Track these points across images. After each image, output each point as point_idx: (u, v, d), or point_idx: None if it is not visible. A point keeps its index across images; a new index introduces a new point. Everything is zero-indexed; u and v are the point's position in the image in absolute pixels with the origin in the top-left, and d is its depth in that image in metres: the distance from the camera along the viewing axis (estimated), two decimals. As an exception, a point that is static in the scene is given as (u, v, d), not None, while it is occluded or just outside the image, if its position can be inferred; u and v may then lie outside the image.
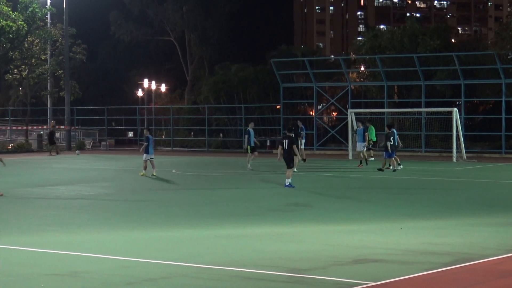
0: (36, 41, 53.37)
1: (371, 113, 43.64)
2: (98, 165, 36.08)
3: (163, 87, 76.43)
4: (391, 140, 28.94)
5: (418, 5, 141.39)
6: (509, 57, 46.25)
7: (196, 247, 12.41)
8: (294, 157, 23.08)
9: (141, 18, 74.38)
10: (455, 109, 37.42)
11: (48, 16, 55.06)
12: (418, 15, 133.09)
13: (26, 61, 54.51)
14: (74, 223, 15.40)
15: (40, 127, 57.95)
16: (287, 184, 22.55)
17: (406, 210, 17.49)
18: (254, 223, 15.32)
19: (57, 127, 52.31)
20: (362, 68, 53.39)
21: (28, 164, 35.65)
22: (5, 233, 14.13)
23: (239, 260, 11.09)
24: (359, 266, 10.62)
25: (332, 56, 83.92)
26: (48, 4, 53.61)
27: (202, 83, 62.87)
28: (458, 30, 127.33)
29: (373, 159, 36.75)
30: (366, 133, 33.91)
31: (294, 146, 22.72)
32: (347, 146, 40.68)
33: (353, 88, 50.65)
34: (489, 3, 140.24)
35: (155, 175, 27.19)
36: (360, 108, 46.66)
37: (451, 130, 37.44)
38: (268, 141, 52.19)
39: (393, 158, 29.23)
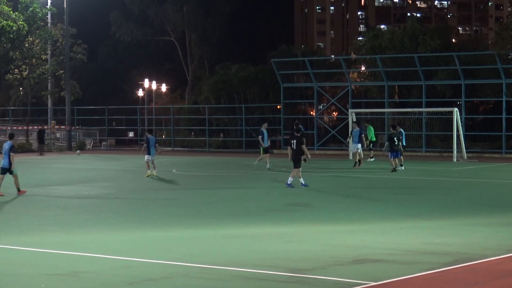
0: (37, 41, 53.37)
1: (372, 113, 43.67)
2: (98, 165, 36.09)
3: (163, 87, 76.44)
4: (395, 140, 28.87)
5: (418, 5, 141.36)
6: (509, 57, 46.23)
7: (196, 247, 12.42)
8: (302, 157, 22.93)
9: (142, 18, 74.39)
10: (456, 109, 37.42)
11: (49, 16, 55.05)
12: (418, 15, 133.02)
13: (27, 61, 54.51)
14: (74, 223, 15.40)
15: (40, 127, 57.89)
16: (288, 183, 22.54)
17: (406, 210, 17.49)
18: (254, 223, 15.33)
19: (46, 127, 52.54)
20: (363, 68, 53.38)
21: (28, 164, 35.66)
22: (5, 233, 14.14)
23: (240, 260, 11.10)
24: (359, 266, 10.63)
25: (333, 56, 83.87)
26: (49, 4, 53.62)
27: (202, 83, 62.87)
28: (459, 30, 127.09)
29: (372, 159, 36.76)
30: (363, 135, 33.80)
31: (303, 146, 22.68)
32: (348, 146, 40.66)
33: (353, 88, 50.66)
34: (489, 3, 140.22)
35: (155, 175, 27.18)
36: (361, 108, 46.67)
37: (451, 130, 37.44)
38: (268, 141, 52.05)
39: (397, 158, 29.12)
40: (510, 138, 43.14)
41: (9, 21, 48.93)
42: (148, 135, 28.57)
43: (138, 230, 14.42)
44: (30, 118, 58.64)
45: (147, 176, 27.23)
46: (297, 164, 22.55)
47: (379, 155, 38.79)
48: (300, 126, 33.24)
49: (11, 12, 49.71)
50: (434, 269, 10.29)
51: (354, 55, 55.56)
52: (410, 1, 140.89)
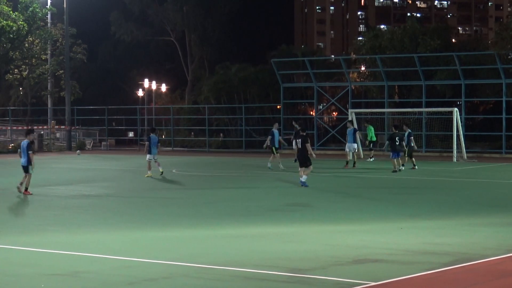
0: (37, 41, 53.41)
1: (372, 113, 43.67)
2: (98, 165, 36.09)
3: (163, 87, 76.43)
4: (397, 140, 28.81)
5: (418, 5, 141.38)
6: (509, 57, 46.25)
7: (196, 247, 12.42)
8: (308, 155, 22.82)
9: (142, 18, 74.40)
10: (456, 109, 37.42)
11: (49, 16, 55.09)
12: (418, 15, 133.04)
13: (27, 61, 54.55)
14: (74, 223, 15.40)
15: (40, 127, 57.95)
16: (302, 181, 22.52)
17: (406, 210, 17.49)
18: (254, 223, 15.32)
19: (33, 127, 52.50)
20: (363, 68, 53.40)
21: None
22: (5, 233, 14.14)
23: (239, 260, 11.10)
24: (359, 266, 10.63)
25: (333, 56, 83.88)
26: (49, 4, 53.65)
27: (202, 83, 62.89)
28: (459, 30, 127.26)
29: (372, 159, 36.75)
30: (357, 133, 33.67)
31: (308, 145, 22.61)
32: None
33: (353, 88, 50.66)
34: (489, 3, 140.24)
35: (161, 174, 27.09)
36: (361, 108, 46.68)
37: (451, 130, 37.44)
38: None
39: (398, 159, 29.06)
40: (510, 138, 43.15)
41: (9, 21, 48.96)
42: (150, 134, 28.52)
43: (138, 230, 14.42)
44: (30, 118, 58.67)
45: (147, 176, 27.18)
46: (306, 163, 22.49)
47: (379, 155, 38.80)
48: (297, 126, 33.27)
49: (11, 12, 49.75)
50: (434, 269, 10.29)
51: (354, 55, 55.57)
52: (410, 1, 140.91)
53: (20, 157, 21.50)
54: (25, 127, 55.41)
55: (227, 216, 16.43)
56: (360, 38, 70.51)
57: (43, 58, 55.84)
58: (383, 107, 44.79)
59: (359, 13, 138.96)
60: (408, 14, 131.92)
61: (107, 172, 30.95)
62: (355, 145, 32.70)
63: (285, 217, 16.08)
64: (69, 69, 54.69)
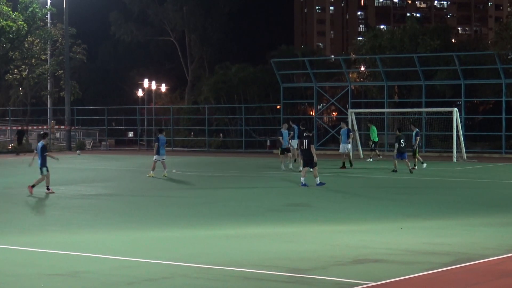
0: (36, 41, 53.38)
1: (371, 113, 43.65)
2: (98, 165, 36.09)
3: (163, 87, 76.35)
4: (402, 142, 28.72)
5: (418, 5, 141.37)
6: (509, 57, 46.26)
7: (196, 247, 12.42)
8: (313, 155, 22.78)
9: (141, 18, 74.37)
10: (455, 109, 37.43)
11: (48, 16, 55.06)
12: (418, 15, 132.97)
13: (26, 61, 54.52)
14: (74, 223, 15.40)
15: (40, 127, 57.92)
16: (318, 183, 22.57)
17: (406, 210, 17.49)
18: (254, 223, 15.33)
19: (26, 128, 52.69)
20: (362, 68, 53.39)
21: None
22: (5, 233, 14.14)
23: (239, 260, 11.10)
24: (359, 266, 10.63)
25: (332, 56, 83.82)
26: (48, 4, 53.62)
27: (202, 83, 62.87)
28: (458, 30, 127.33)
29: (372, 159, 36.74)
30: (351, 133, 33.57)
31: (312, 146, 22.65)
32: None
33: (353, 88, 50.65)
34: (489, 3, 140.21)
35: (166, 176, 27.09)
36: (360, 108, 46.67)
37: (451, 130, 37.44)
38: (268, 141, 52.20)
39: (398, 160, 28.98)
40: (510, 138, 43.15)
41: (9, 21, 48.94)
42: (159, 135, 28.62)
43: (138, 230, 14.42)
44: (30, 118, 58.63)
45: (149, 176, 27.19)
46: (313, 164, 22.54)
47: (380, 154, 38.75)
48: (294, 125, 33.15)
49: (11, 12, 49.72)
50: (434, 269, 10.29)
51: (354, 55, 55.56)
52: (409, 1, 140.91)
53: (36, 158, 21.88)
54: (24, 127, 55.51)
55: (227, 216, 16.44)
56: (360, 38, 70.53)
57: (42, 58, 55.81)
58: (383, 107, 44.78)
59: (359, 13, 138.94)
60: (408, 14, 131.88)
61: (107, 172, 30.96)
62: (349, 146, 32.51)
63: (285, 217, 16.08)
64: (69, 69, 54.67)
